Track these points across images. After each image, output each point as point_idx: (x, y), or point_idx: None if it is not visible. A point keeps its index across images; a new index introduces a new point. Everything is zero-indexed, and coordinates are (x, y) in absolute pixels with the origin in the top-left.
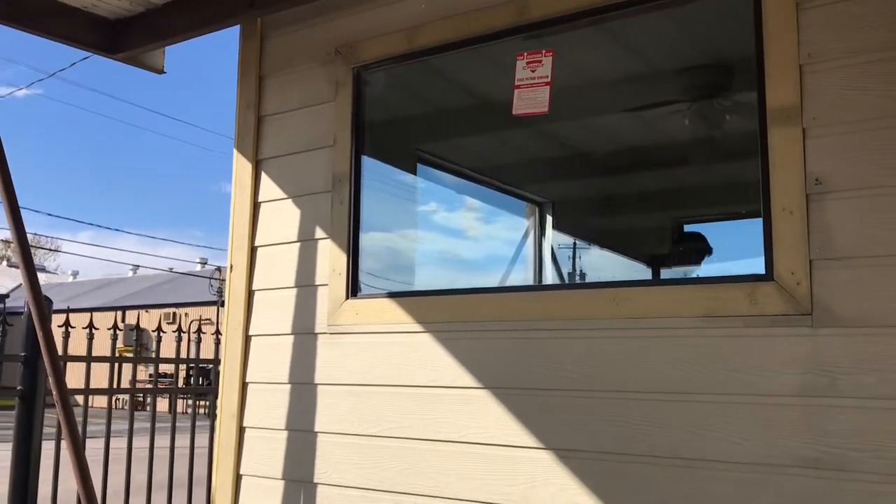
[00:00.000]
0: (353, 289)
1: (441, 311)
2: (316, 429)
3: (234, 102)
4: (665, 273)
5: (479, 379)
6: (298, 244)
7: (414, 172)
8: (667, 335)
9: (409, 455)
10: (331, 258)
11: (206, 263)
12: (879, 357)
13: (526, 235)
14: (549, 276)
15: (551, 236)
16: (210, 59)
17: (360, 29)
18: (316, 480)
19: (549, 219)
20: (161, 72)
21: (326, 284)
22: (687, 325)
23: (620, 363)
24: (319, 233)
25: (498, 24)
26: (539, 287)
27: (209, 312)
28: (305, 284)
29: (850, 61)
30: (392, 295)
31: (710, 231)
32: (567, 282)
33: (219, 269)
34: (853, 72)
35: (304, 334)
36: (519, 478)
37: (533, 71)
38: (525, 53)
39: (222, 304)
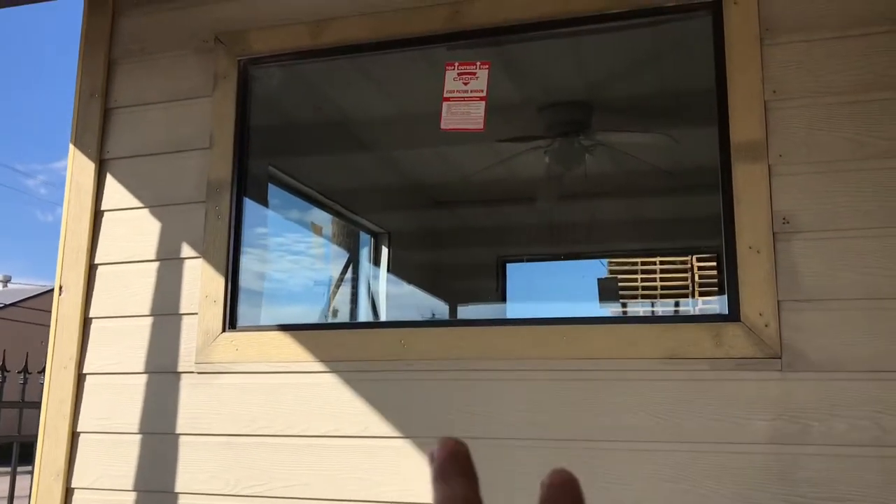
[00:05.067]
0: (232, 320)
1: (353, 347)
2: (177, 489)
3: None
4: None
5: (397, 427)
6: (157, 263)
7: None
8: (624, 378)
9: None
10: (203, 282)
11: None
12: (850, 403)
13: (355, 267)
14: (382, 311)
15: (385, 268)
16: None
17: (249, 15)
18: None
19: (385, 250)
20: None
21: (196, 314)
22: (647, 366)
23: (571, 408)
24: (188, 251)
25: (429, 27)
26: (478, 322)
27: None
28: (166, 313)
29: (817, 101)
30: (285, 328)
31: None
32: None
33: None
34: (821, 111)
35: (164, 373)
36: None
37: (465, 83)
38: (456, 64)
39: None
